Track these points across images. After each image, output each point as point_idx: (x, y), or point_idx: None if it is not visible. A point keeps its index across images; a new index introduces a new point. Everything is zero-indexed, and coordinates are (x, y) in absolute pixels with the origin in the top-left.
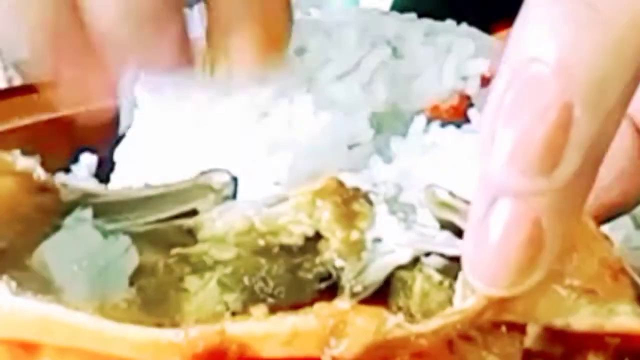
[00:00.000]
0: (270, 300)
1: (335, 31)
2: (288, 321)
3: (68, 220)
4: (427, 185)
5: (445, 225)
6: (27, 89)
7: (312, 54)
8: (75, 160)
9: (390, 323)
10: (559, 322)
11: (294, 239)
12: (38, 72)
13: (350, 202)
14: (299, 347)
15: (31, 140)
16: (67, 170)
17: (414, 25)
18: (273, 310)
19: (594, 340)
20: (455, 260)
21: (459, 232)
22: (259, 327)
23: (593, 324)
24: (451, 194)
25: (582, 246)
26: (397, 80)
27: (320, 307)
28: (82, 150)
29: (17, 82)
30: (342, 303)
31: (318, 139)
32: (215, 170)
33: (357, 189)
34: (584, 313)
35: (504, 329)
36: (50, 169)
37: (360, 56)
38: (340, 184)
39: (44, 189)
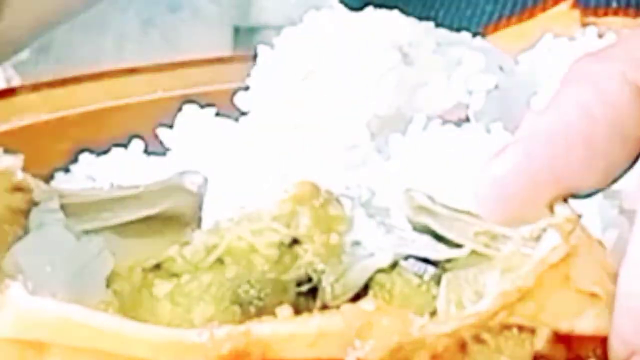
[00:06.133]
0: (257, 302)
1: (346, 32)
2: (314, 322)
3: (35, 214)
4: (406, 189)
5: (419, 229)
6: (26, 89)
7: (317, 54)
8: (75, 160)
9: (415, 324)
10: (564, 326)
11: (273, 247)
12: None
13: (326, 205)
14: (323, 348)
15: (30, 140)
16: (67, 170)
17: (428, 34)
18: (259, 313)
19: (597, 344)
20: (433, 263)
21: (435, 236)
22: (285, 328)
23: (596, 327)
24: (430, 198)
25: (583, 250)
26: (403, 86)
27: (346, 308)
28: (82, 150)
29: (17, 82)
30: (367, 304)
31: (318, 138)
32: (187, 171)
33: (329, 192)
34: (588, 316)
35: (515, 331)
36: (50, 169)
37: (368, 59)
38: (316, 187)
39: (18, 188)
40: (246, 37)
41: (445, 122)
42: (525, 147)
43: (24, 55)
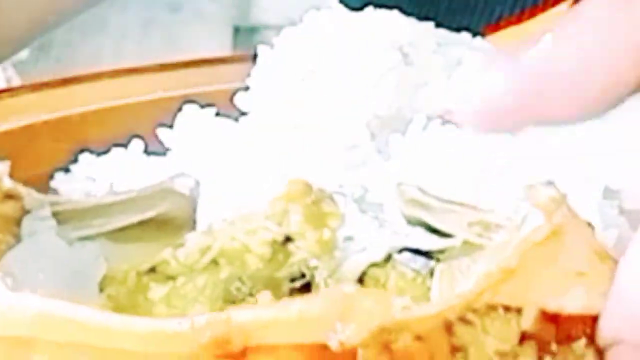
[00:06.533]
0: (249, 299)
1: (346, 32)
2: (294, 307)
3: (27, 222)
4: (397, 182)
5: (414, 222)
6: (26, 89)
7: (317, 54)
8: (75, 160)
9: (397, 306)
10: (551, 305)
11: (266, 245)
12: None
13: (318, 202)
14: (304, 333)
15: (30, 140)
16: (67, 170)
17: (428, 34)
18: None
19: (586, 324)
20: (427, 255)
21: (429, 228)
22: (265, 313)
23: (584, 306)
24: (422, 190)
25: (570, 229)
26: (403, 86)
27: (326, 292)
28: (82, 150)
29: (17, 82)
30: (347, 287)
31: (317, 138)
32: (179, 174)
33: (322, 190)
34: (576, 294)
35: (501, 311)
36: (50, 169)
37: (368, 59)
38: (307, 185)
39: (9, 196)
40: (246, 37)
41: (445, 122)
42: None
43: (24, 55)
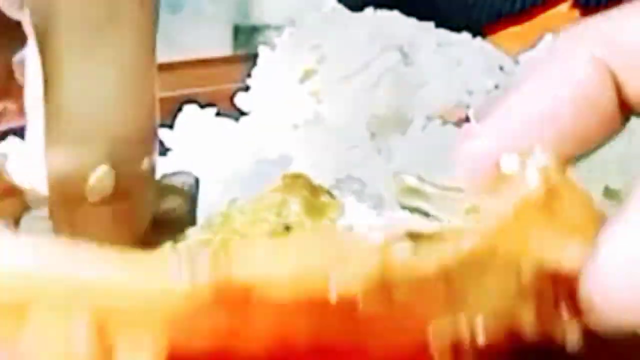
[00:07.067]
0: None
1: (346, 32)
2: (292, 260)
3: (25, 222)
4: (395, 172)
5: (411, 211)
6: None
7: (317, 54)
8: None
9: (398, 257)
10: (549, 263)
11: (265, 236)
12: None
13: (317, 194)
14: (304, 287)
15: None
16: None
17: (428, 34)
18: None
19: None
20: None
21: (426, 217)
22: (264, 271)
23: (582, 260)
24: (420, 178)
25: (566, 193)
26: (402, 86)
27: (322, 240)
28: None
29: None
30: (345, 235)
31: (317, 138)
32: (179, 172)
33: (321, 185)
34: (573, 250)
35: (499, 267)
36: None
37: (368, 59)
38: (306, 177)
39: (8, 193)
40: (246, 37)
41: (445, 122)
42: (496, 126)
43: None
